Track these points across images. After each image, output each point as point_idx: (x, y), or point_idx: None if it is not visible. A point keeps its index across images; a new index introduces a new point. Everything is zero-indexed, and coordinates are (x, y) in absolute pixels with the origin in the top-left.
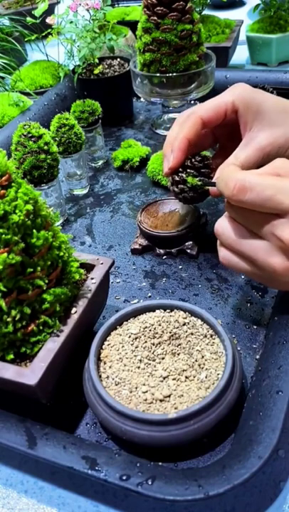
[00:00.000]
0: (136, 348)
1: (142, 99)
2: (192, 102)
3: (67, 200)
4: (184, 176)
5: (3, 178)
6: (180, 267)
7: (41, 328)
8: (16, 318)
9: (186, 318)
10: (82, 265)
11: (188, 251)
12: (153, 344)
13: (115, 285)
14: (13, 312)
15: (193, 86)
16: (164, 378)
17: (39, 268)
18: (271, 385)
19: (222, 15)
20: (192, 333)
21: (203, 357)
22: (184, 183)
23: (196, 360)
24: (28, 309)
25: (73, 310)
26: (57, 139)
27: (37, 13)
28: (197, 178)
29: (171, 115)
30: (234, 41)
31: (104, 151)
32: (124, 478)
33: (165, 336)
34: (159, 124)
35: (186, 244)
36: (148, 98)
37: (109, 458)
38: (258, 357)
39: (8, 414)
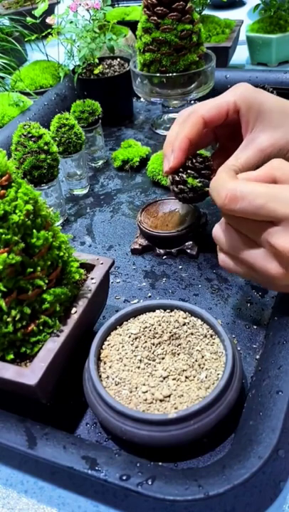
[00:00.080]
0: (136, 348)
1: (142, 99)
2: (192, 102)
3: (67, 200)
4: (185, 176)
5: (3, 178)
6: (180, 267)
7: (41, 328)
8: (16, 318)
9: (186, 318)
10: (82, 265)
11: (188, 251)
12: (153, 344)
13: (115, 285)
14: (13, 312)
15: (193, 86)
16: (164, 378)
17: (39, 268)
18: (271, 385)
19: (222, 15)
20: (192, 333)
21: (203, 357)
22: (184, 183)
23: (196, 360)
24: (28, 309)
25: (73, 310)
26: (57, 139)
27: (37, 13)
28: (197, 180)
29: (171, 115)
30: (234, 41)
31: (104, 151)
32: (124, 478)
33: (165, 336)
34: (159, 124)
35: (186, 244)
36: (148, 98)
37: (109, 458)
38: (258, 357)
39: (8, 414)
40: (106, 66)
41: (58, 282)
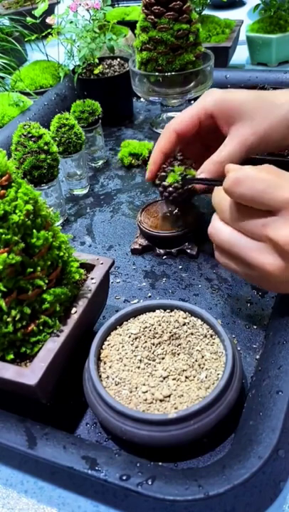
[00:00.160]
0: (136, 348)
1: (141, 99)
2: (191, 101)
3: (67, 200)
4: (167, 181)
5: (3, 178)
6: (180, 267)
7: (41, 328)
8: (16, 318)
9: (186, 318)
10: (82, 265)
11: (188, 251)
12: (153, 344)
13: (115, 285)
14: (13, 312)
15: (191, 85)
16: (164, 378)
17: (39, 268)
18: (271, 385)
19: (222, 15)
20: (192, 333)
21: (203, 357)
22: (169, 185)
23: (196, 360)
24: (28, 309)
25: (73, 310)
26: (57, 139)
27: (37, 13)
28: (178, 173)
29: (170, 114)
30: (234, 41)
31: (104, 151)
32: (124, 478)
33: (165, 336)
34: (158, 123)
35: (186, 244)
36: (146, 97)
37: (109, 458)
38: (258, 357)
39: (8, 414)
40: (106, 66)
41: (58, 282)
